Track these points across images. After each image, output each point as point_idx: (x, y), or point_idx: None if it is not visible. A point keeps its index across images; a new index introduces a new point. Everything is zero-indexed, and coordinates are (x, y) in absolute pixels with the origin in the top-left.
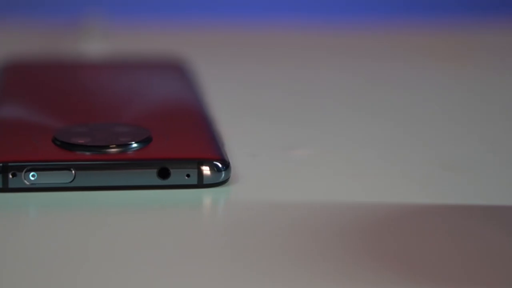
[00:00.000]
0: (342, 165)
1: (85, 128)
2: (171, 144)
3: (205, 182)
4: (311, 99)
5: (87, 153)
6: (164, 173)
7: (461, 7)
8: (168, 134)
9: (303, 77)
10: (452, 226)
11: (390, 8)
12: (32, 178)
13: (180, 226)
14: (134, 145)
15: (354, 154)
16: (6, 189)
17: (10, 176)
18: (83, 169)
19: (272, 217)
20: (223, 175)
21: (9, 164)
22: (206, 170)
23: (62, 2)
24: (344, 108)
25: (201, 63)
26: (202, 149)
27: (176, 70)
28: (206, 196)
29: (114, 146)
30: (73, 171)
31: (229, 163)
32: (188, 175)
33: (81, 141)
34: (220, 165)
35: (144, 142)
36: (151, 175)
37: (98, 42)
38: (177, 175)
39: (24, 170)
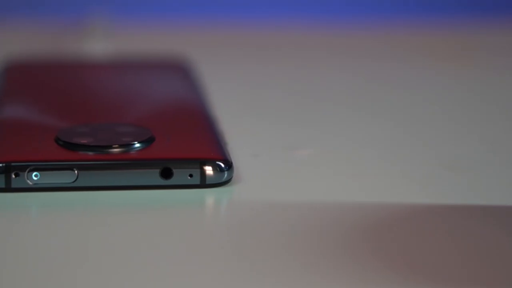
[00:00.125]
0: (343, 165)
1: (87, 128)
2: (173, 144)
3: (207, 182)
4: (312, 99)
5: (90, 153)
6: (166, 173)
7: (461, 7)
8: (171, 134)
9: (305, 77)
10: (452, 226)
11: (390, 8)
12: (35, 178)
13: (182, 226)
14: (137, 145)
15: (355, 154)
16: (9, 189)
17: (13, 176)
18: (86, 169)
19: (275, 217)
20: (225, 175)
21: (12, 164)
22: (209, 170)
23: (65, 2)
24: (344, 108)
25: (204, 63)
26: (205, 149)
27: (179, 70)
28: (209, 196)
29: (117, 146)
30: (75, 171)
31: (231, 163)
32: (191, 175)
33: (83, 141)
34: (222, 165)
35: (147, 142)
36: (153, 175)
37: (100, 42)
38: (179, 175)
39: (27, 170)
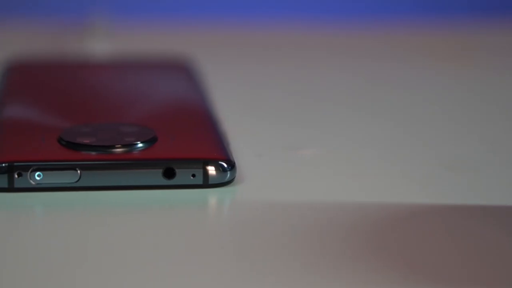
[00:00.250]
0: (345, 166)
1: (90, 128)
2: (176, 144)
3: (210, 182)
4: (312, 99)
5: (93, 153)
6: (169, 173)
7: (461, 7)
8: (174, 134)
9: (306, 77)
10: (452, 226)
11: (390, 8)
12: (37, 178)
13: (185, 226)
14: (140, 145)
15: (356, 154)
16: (12, 189)
17: (16, 176)
18: (89, 169)
19: (277, 217)
20: (228, 175)
21: (15, 164)
22: (211, 170)
23: (66, 2)
24: (344, 108)
25: (206, 63)
26: (208, 149)
27: (181, 70)
28: (212, 196)
29: (120, 146)
30: (78, 171)
31: (234, 163)
32: (193, 175)
33: (86, 141)
34: (225, 165)
35: (150, 142)
36: (156, 175)
37: (103, 42)
38: (182, 175)
39: (30, 170)
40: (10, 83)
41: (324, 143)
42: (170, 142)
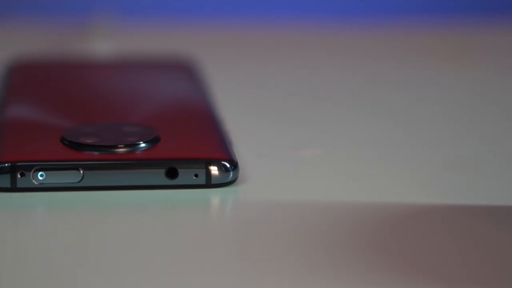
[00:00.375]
0: (347, 166)
1: (93, 128)
2: (179, 144)
3: (213, 182)
4: (313, 99)
5: (95, 153)
6: (172, 173)
7: (461, 7)
8: (176, 134)
9: (307, 77)
10: (452, 226)
11: (390, 8)
12: (40, 178)
13: (188, 226)
14: (142, 145)
15: (359, 154)
16: (14, 188)
17: (19, 176)
18: (91, 169)
19: (280, 217)
20: (231, 175)
21: (18, 164)
22: (214, 170)
23: (69, 2)
24: (344, 108)
25: (209, 63)
26: (210, 149)
27: (184, 70)
28: (214, 196)
29: (122, 146)
30: (81, 171)
31: (237, 163)
32: (196, 175)
33: (89, 141)
34: (228, 165)
35: (152, 142)
36: (159, 175)
37: (105, 42)
38: (185, 175)
39: (33, 170)
40: (13, 83)
41: (324, 143)
42: (173, 142)
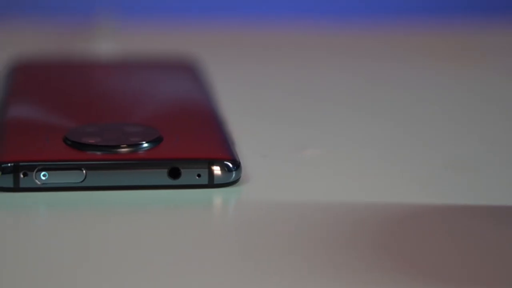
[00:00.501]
0: (348, 166)
1: (96, 128)
2: (181, 144)
3: (216, 182)
4: (314, 99)
5: (98, 153)
6: (174, 173)
7: (461, 7)
8: (179, 134)
9: (309, 77)
10: (452, 226)
11: (390, 8)
12: (43, 178)
13: (190, 226)
14: (145, 145)
15: (359, 154)
16: (17, 188)
17: (21, 176)
18: (94, 168)
19: (282, 217)
20: (234, 175)
21: (20, 163)
22: (217, 170)
23: (72, 1)
24: (344, 108)
25: (212, 63)
26: (213, 149)
27: (187, 70)
28: (217, 196)
29: (125, 146)
30: (84, 171)
31: (239, 163)
32: (199, 175)
33: (92, 141)
34: (231, 165)
35: (155, 142)
36: (161, 175)
37: (108, 41)
38: (187, 175)
39: (35, 170)
40: (15, 83)
41: (324, 143)
42: (176, 142)
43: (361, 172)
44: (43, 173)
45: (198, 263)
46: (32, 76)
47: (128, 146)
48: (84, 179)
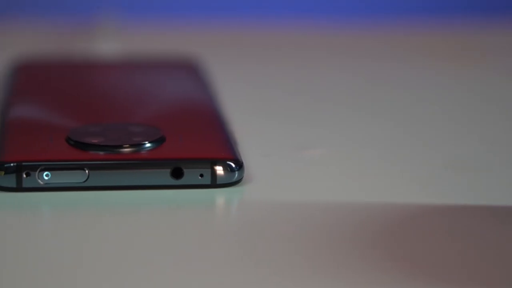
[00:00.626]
0: (350, 166)
1: (98, 128)
2: (184, 144)
3: (218, 182)
4: (315, 99)
5: (101, 152)
6: (177, 173)
7: (461, 7)
8: (181, 134)
9: (312, 77)
10: (452, 226)
11: (390, 8)
12: (46, 178)
13: (193, 226)
14: (148, 145)
15: (358, 154)
16: (20, 188)
17: (24, 176)
18: (97, 168)
19: (285, 217)
20: (236, 175)
21: (23, 163)
22: (219, 170)
23: (75, 1)
24: (344, 108)
25: (214, 63)
26: (216, 149)
27: (189, 70)
28: (220, 196)
29: (128, 146)
30: (86, 171)
31: (242, 163)
32: (201, 175)
33: (94, 140)
34: (233, 165)
35: (158, 142)
36: (164, 175)
37: (110, 41)
38: (190, 175)
39: (38, 170)
40: (18, 83)
41: (325, 143)
42: (178, 142)
43: (367, 173)
44: (46, 173)
45: (200, 263)
46: (34, 76)
47: (131, 146)
48: (86, 179)
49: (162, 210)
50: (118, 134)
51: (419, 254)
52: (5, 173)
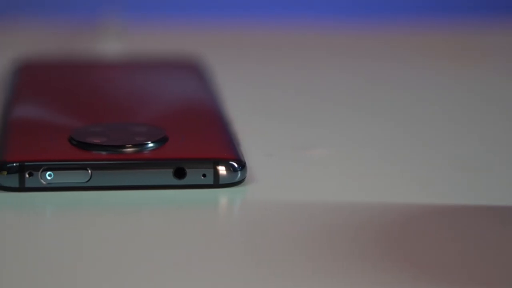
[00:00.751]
0: (352, 166)
1: (101, 128)
2: (187, 144)
3: (221, 182)
4: (315, 99)
5: (103, 152)
6: (180, 173)
7: (461, 7)
8: (184, 134)
9: (313, 77)
10: (452, 226)
11: (390, 8)
12: (48, 178)
13: (195, 226)
14: (150, 144)
15: (358, 154)
16: (22, 188)
17: (27, 176)
18: (99, 168)
19: (288, 217)
20: (239, 175)
21: (26, 163)
22: (222, 170)
23: (78, 1)
24: (344, 108)
25: (217, 63)
26: (218, 149)
27: (192, 70)
28: (222, 196)
29: (130, 145)
30: (89, 171)
31: (245, 163)
32: (204, 175)
33: (97, 140)
34: (236, 165)
35: (160, 142)
36: (167, 175)
37: (114, 41)
38: (193, 175)
39: (41, 170)
40: (21, 83)
41: (325, 143)
42: (181, 142)
43: (369, 172)
44: (48, 173)
45: (203, 263)
46: (37, 76)
47: (134, 146)
48: (89, 179)
49: (164, 210)
50: (120, 134)
51: (419, 254)
52: (7, 173)
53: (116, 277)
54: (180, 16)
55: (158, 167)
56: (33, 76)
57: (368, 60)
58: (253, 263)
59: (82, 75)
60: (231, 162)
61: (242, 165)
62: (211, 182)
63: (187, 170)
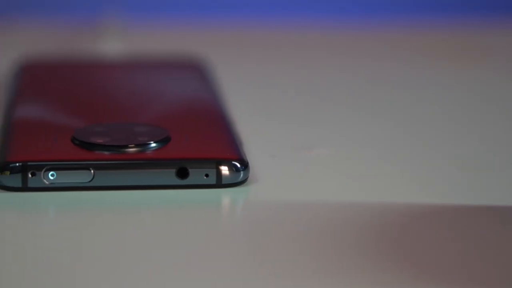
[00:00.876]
0: (353, 166)
1: (104, 128)
2: (189, 144)
3: (223, 182)
4: (316, 99)
5: (106, 152)
6: (182, 173)
7: (461, 7)
8: (187, 134)
9: (313, 77)
10: (452, 226)
11: (390, 8)
12: (51, 178)
13: (198, 226)
14: (153, 144)
15: (361, 154)
16: (25, 188)
17: (30, 176)
18: (102, 168)
19: (290, 217)
20: (241, 175)
21: (28, 163)
22: (225, 170)
23: (80, 1)
24: (344, 108)
25: (220, 63)
26: (221, 149)
27: (195, 70)
28: (225, 196)
29: (133, 145)
30: (92, 171)
31: (247, 163)
32: (206, 175)
33: (100, 140)
34: (238, 165)
35: (163, 141)
36: (169, 175)
37: (115, 41)
38: (195, 175)
39: (43, 170)
40: (23, 83)
41: (325, 143)
42: (184, 142)
43: (371, 172)
44: (51, 172)
45: (205, 263)
46: (39, 76)
47: (136, 146)
48: (92, 179)
49: (167, 210)
50: (123, 134)
51: (419, 254)
52: (10, 173)
53: (120, 277)
54: (181, 16)
55: (161, 167)
56: (35, 76)
57: (368, 60)
58: (255, 263)
59: (84, 75)
60: (234, 162)
61: (245, 165)
62: (213, 182)
63: (190, 170)
